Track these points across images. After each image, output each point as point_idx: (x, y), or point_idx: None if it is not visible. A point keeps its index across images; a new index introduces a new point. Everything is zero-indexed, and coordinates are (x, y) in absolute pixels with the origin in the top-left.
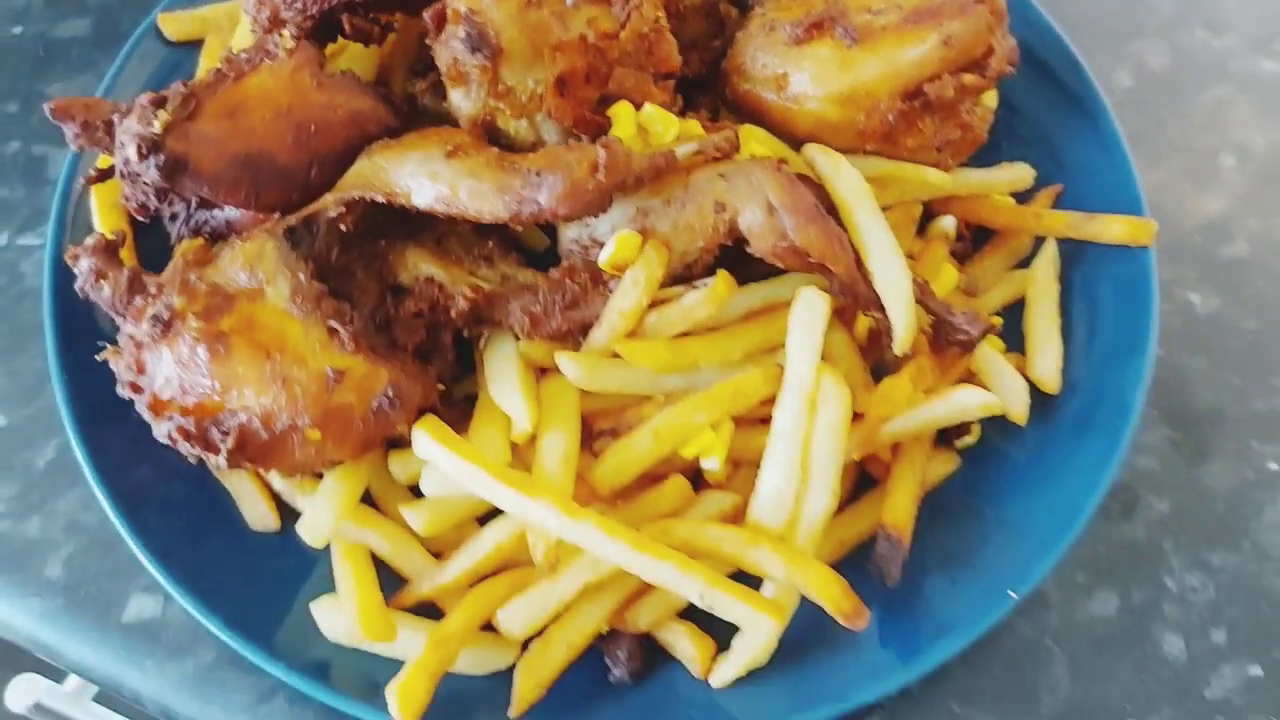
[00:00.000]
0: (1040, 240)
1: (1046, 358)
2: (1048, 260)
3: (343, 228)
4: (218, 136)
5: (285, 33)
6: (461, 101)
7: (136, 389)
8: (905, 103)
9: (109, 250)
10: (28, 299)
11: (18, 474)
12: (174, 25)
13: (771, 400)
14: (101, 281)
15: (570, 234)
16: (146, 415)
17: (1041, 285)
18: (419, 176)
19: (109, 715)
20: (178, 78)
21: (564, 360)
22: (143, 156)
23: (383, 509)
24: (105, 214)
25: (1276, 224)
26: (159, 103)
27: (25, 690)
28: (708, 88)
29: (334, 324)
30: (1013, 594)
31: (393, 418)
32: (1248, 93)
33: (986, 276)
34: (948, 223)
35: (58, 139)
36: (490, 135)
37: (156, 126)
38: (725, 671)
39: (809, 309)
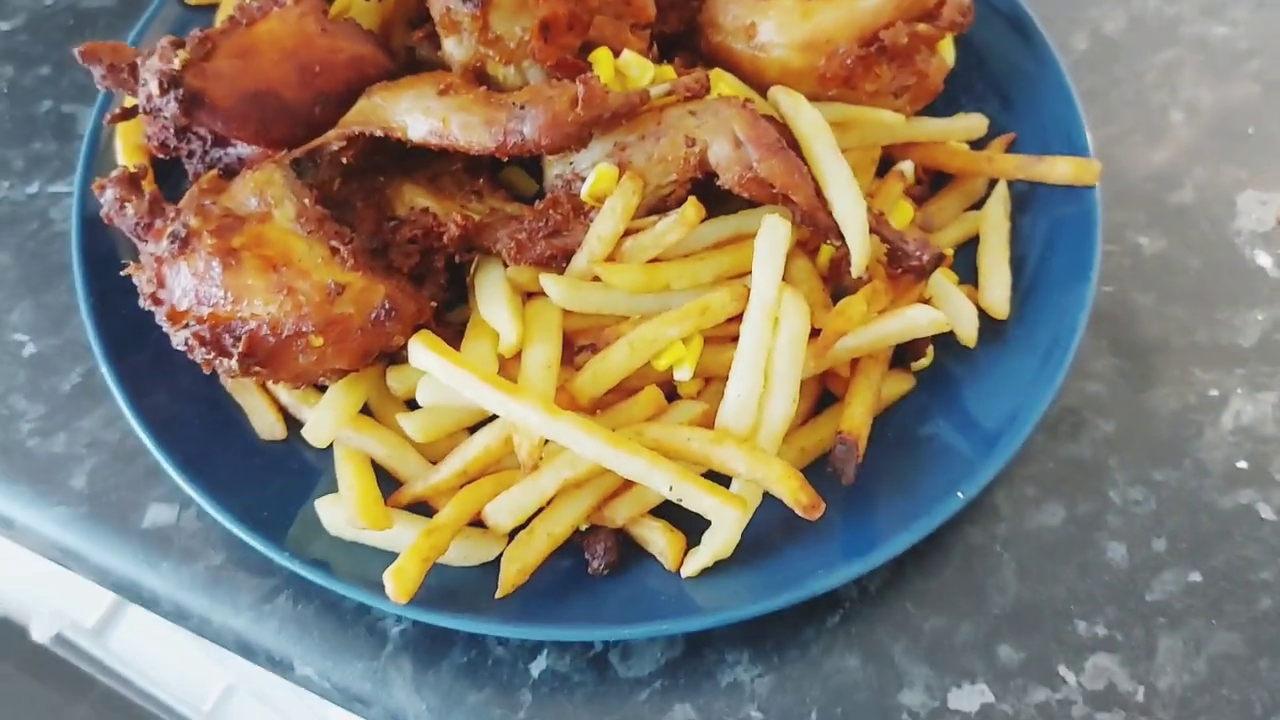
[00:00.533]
0: (993, 185)
1: (996, 286)
2: (999, 199)
3: (344, 161)
4: (230, 75)
5: None
6: (454, 49)
7: (157, 300)
8: (863, 49)
9: (132, 180)
10: (56, 241)
11: (45, 396)
12: None
13: (738, 320)
14: (125, 206)
15: (554, 170)
16: (165, 325)
17: (992, 221)
18: (414, 112)
19: (122, 647)
20: None
21: (547, 282)
22: (163, 91)
23: (380, 420)
24: (129, 153)
25: (1221, 172)
26: (178, 45)
27: (49, 624)
28: (686, 45)
29: (335, 243)
30: (960, 494)
31: (389, 329)
32: (1197, 55)
33: (942, 215)
34: (906, 166)
35: (86, 98)
36: (480, 81)
37: (176, 64)
38: (694, 562)
39: (772, 234)
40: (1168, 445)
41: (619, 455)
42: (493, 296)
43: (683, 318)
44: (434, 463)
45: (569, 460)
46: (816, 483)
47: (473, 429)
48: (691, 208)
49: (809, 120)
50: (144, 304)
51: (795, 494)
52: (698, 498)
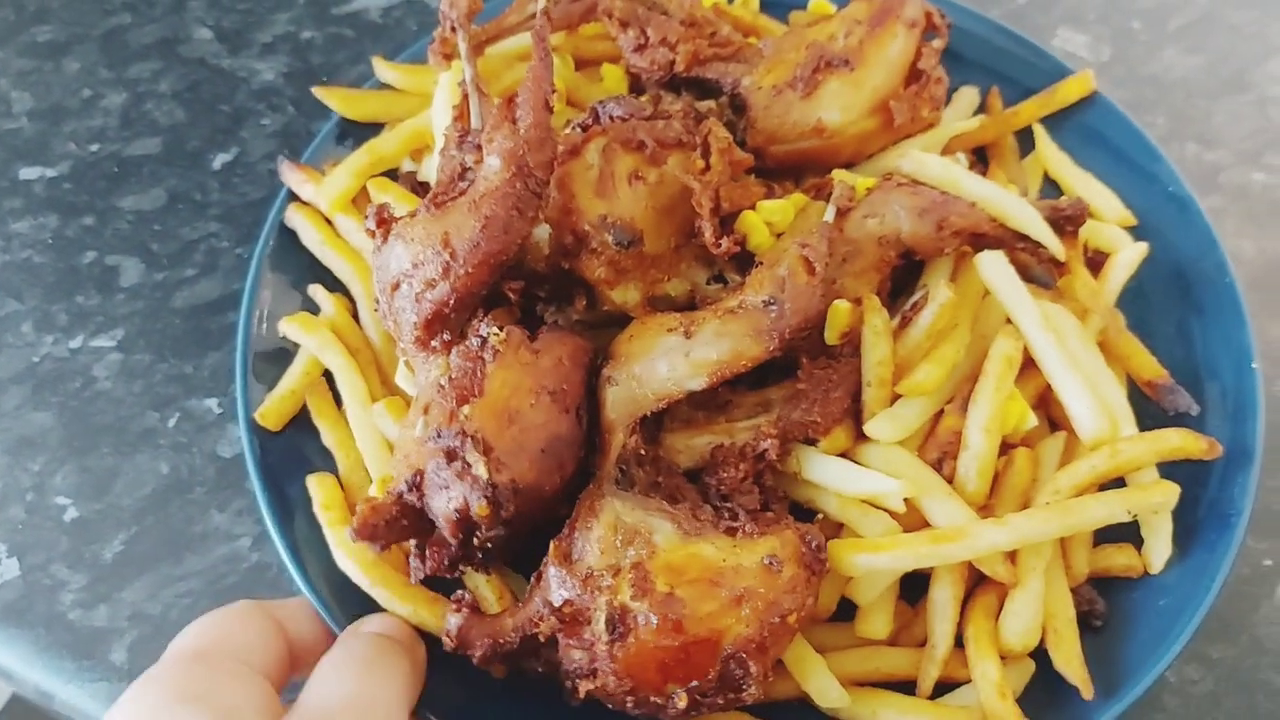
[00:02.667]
0: None
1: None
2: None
3: (641, 451)
4: (516, 446)
5: (492, 329)
6: (627, 294)
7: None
8: (912, 85)
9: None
10: (99, 400)
11: (87, 565)
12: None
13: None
14: (497, 641)
15: None
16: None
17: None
18: (678, 368)
19: None
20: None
21: (877, 426)
22: (493, 518)
23: None
24: (369, 569)
25: (1266, 329)
26: (452, 456)
27: None
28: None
29: (727, 523)
30: None
31: (822, 557)
32: (1238, 203)
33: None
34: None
35: (129, 249)
36: (656, 306)
37: (482, 471)
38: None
39: (993, 266)
40: (1224, 620)
41: None
42: (836, 466)
43: (998, 382)
44: None
45: None
46: None
47: None
48: (943, 287)
49: (938, 166)
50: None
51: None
52: None
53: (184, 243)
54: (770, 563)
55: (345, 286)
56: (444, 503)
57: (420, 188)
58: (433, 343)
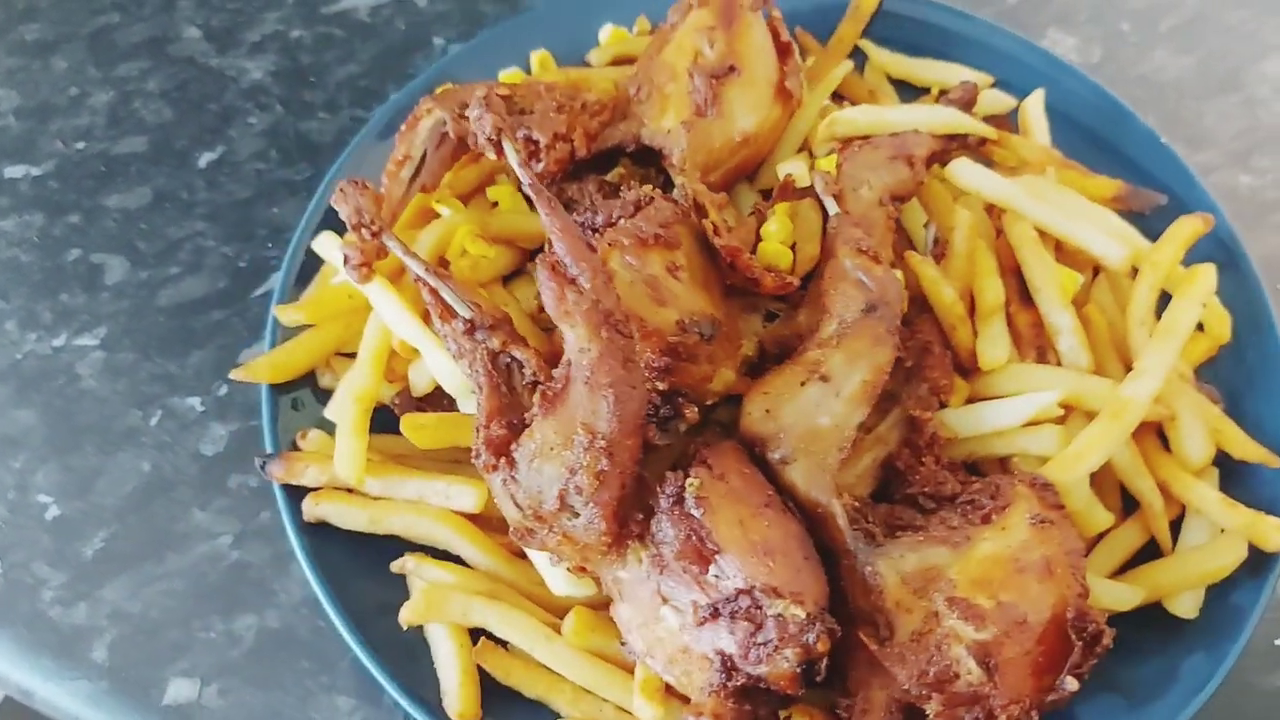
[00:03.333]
0: None
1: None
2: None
3: (857, 504)
4: (791, 572)
5: (690, 481)
6: (725, 377)
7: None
8: (786, 58)
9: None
10: (82, 398)
11: (68, 563)
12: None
13: None
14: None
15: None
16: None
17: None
18: (838, 412)
19: None
20: None
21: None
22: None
23: None
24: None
25: None
26: (756, 618)
27: None
28: None
29: (971, 513)
30: None
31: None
32: (1226, 205)
33: None
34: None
35: (114, 248)
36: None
37: (797, 611)
38: None
39: (967, 170)
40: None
41: None
42: None
43: (1039, 259)
44: None
45: None
46: None
47: None
48: (960, 211)
49: (863, 115)
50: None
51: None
52: None
53: (170, 241)
54: (1035, 520)
55: None
56: (781, 663)
57: (419, 402)
58: (626, 533)
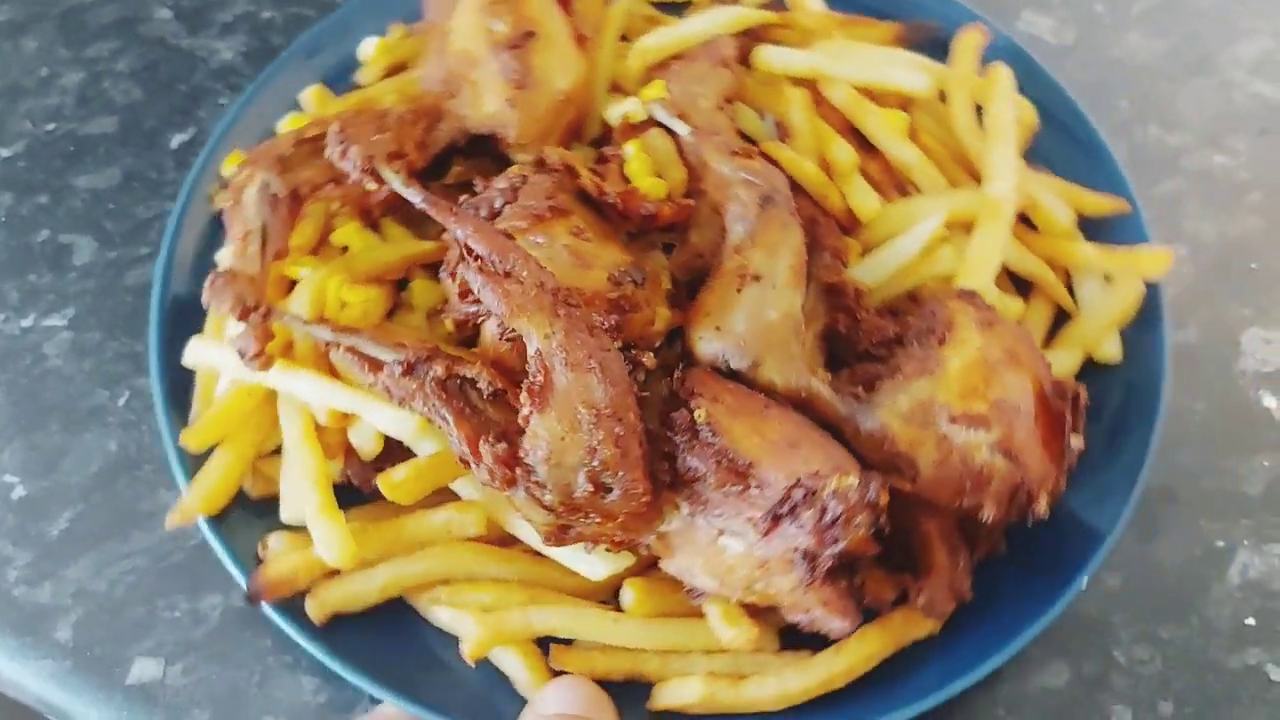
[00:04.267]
0: None
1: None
2: None
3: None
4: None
5: (697, 411)
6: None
7: None
8: None
9: None
10: (50, 378)
11: (32, 542)
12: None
13: None
14: None
15: None
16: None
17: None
18: (772, 305)
19: None
20: None
21: None
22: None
23: None
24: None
25: (1225, 311)
26: (826, 512)
27: None
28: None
29: (929, 338)
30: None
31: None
32: (1199, 186)
33: None
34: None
35: (83, 228)
36: None
37: (851, 480)
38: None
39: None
40: (1174, 600)
41: None
42: None
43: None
44: None
45: None
46: None
47: None
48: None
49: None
50: None
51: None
52: None
53: (138, 221)
54: (981, 324)
55: None
56: (857, 530)
57: (375, 464)
58: (660, 485)
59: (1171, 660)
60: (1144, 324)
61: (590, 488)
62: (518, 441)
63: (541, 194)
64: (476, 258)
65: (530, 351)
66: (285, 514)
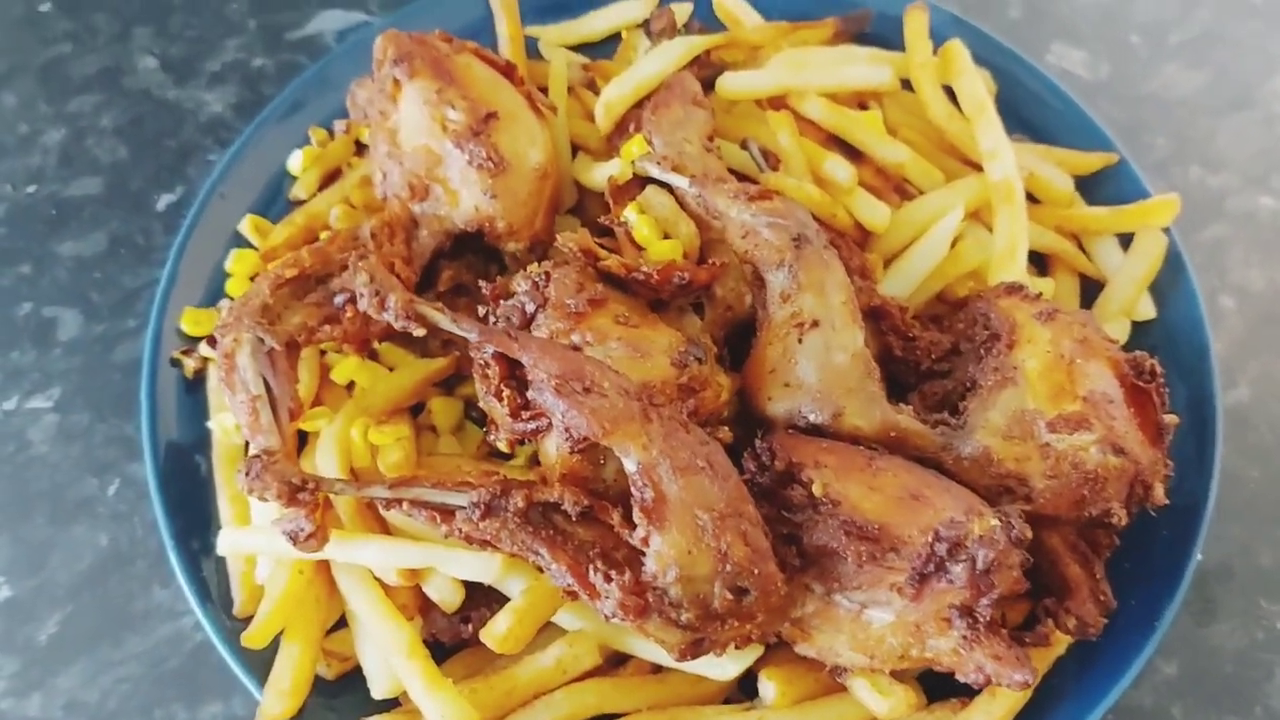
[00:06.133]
0: None
1: None
2: None
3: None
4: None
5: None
6: None
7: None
8: None
9: None
10: (34, 466)
11: (20, 649)
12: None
13: None
14: None
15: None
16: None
17: None
18: (838, 347)
19: None
20: None
21: None
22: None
23: None
24: None
25: (1277, 367)
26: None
27: None
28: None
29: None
30: None
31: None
32: (1245, 230)
33: None
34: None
35: (67, 300)
36: None
37: (994, 522)
38: None
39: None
40: (1234, 688)
41: None
42: None
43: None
44: None
45: None
46: None
47: None
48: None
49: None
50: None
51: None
52: None
53: (126, 291)
54: (1041, 317)
55: None
56: (1010, 573)
57: (459, 616)
58: (791, 572)
59: None
60: (1168, 274)
61: (727, 596)
62: (637, 564)
63: (572, 288)
64: (551, 379)
65: (631, 469)
66: (377, 691)
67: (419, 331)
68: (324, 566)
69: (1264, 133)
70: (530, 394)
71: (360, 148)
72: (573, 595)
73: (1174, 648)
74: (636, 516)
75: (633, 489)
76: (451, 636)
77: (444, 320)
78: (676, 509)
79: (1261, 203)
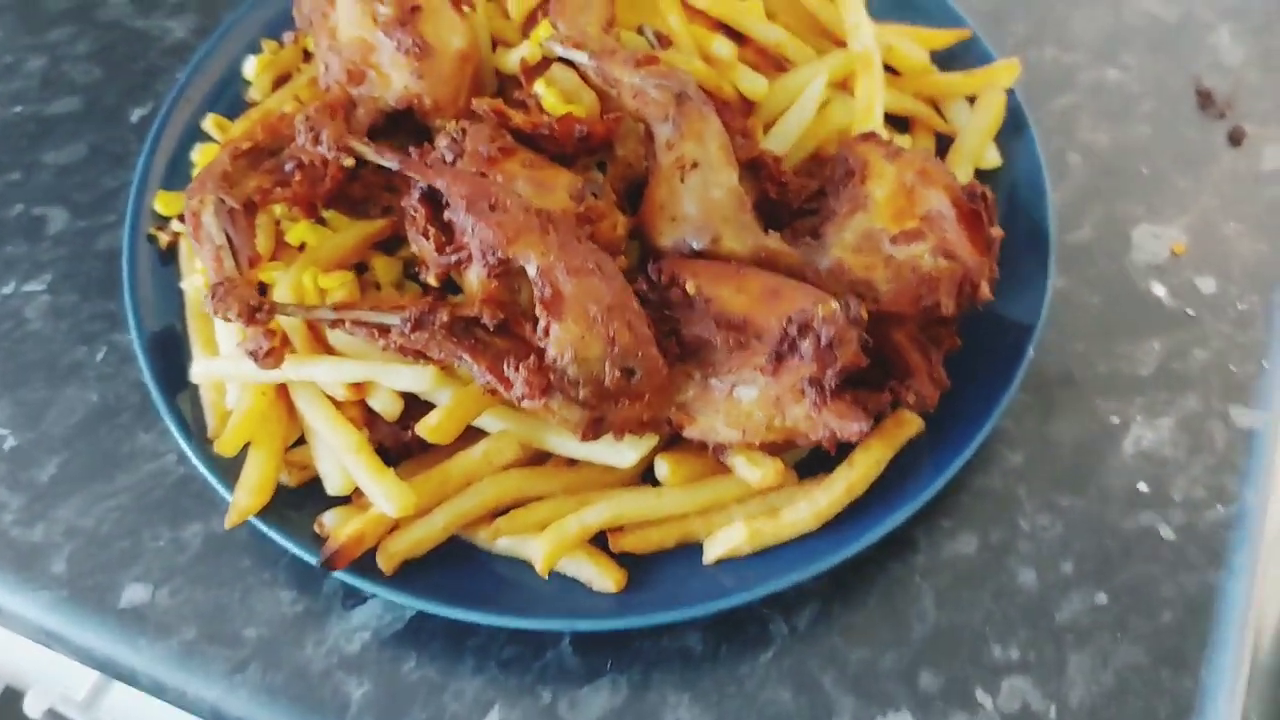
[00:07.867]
0: None
1: None
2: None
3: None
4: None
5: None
6: None
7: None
8: None
9: None
10: (30, 339)
11: (24, 487)
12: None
13: None
14: None
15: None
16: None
17: None
18: (715, 184)
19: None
20: None
21: None
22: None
23: None
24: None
25: (1117, 209)
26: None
27: (42, 698)
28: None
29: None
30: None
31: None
32: (1093, 100)
33: None
34: None
35: (54, 200)
36: None
37: (835, 305)
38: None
39: None
40: (1073, 473)
41: None
42: None
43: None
44: None
45: None
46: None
47: None
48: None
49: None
50: None
51: None
52: None
53: (105, 191)
54: (889, 156)
55: None
56: (850, 346)
57: (400, 424)
58: (671, 359)
59: (1071, 525)
60: (1013, 129)
61: (616, 373)
62: (541, 355)
63: (485, 140)
64: (461, 201)
65: (531, 272)
66: (331, 488)
67: (349, 162)
68: (283, 390)
69: (1112, 16)
70: (447, 215)
71: (307, 55)
72: (492, 392)
73: (1020, 440)
74: (538, 311)
75: (534, 290)
76: (394, 441)
77: (369, 152)
78: (571, 302)
79: (1109, 75)
